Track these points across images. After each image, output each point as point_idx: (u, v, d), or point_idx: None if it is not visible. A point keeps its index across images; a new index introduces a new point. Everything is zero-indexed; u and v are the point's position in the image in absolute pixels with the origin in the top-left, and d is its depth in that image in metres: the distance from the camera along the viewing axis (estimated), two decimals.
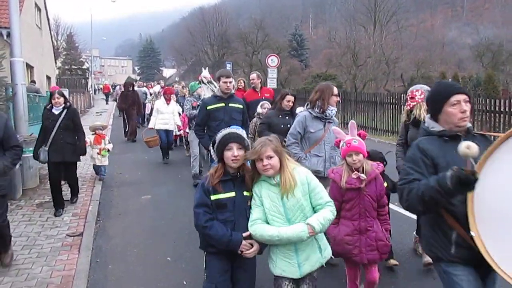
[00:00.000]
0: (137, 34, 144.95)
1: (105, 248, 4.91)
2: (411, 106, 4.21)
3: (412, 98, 4.21)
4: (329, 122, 4.33)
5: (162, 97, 9.94)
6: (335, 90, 4.35)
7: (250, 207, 2.68)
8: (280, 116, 5.61)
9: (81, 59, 49.66)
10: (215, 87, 6.82)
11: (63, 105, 5.95)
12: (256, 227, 2.59)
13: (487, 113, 11.21)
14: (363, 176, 3.18)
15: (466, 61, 42.08)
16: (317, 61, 47.52)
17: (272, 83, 18.82)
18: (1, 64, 7.78)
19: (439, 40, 46.32)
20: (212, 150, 2.81)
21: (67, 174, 6.23)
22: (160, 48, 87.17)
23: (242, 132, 2.79)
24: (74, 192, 6.55)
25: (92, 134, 7.92)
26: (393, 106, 14.86)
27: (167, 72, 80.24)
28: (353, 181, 3.18)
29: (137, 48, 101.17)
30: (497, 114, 10.99)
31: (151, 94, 16.55)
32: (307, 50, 53.18)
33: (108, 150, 8.03)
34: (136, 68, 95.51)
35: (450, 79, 29.87)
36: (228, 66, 24.14)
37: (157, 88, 16.79)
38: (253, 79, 7.81)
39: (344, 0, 54.20)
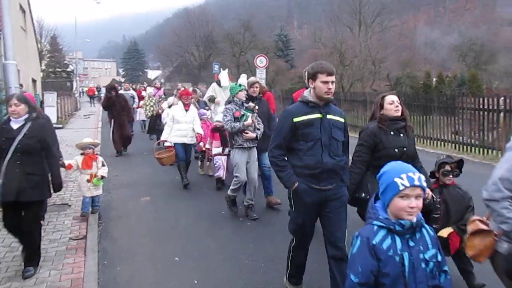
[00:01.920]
0: (120, 36, 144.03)
1: (111, 250, 4.89)
2: None
3: None
4: None
5: (180, 102, 7.98)
6: None
7: None
8: (392, 132, 3.57)
9: (65, 61, 49.04)
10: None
11: (25, 116, 3.96)
12: None
13: (474, 111, 11.45)
14: None
15: (449, 60, 42.93)
16: (302, 61, 47.67)
17: None
18: None
19: (422, 40, 47.14)
20: None
21: (25, 219, 4.05)
22: (144, 49, 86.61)
23: None
24: (31, 257, 4.14)
25: (80, 155, 6.01)
26: None
27: (152, 74, 79.79)
28: None
29: (121, 50, 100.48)
30: (483, 112, 11.23)
31: (143, 98, 15.02)
32: (293, 51, 53.47)
33: (102, 177, 6.06)
34: (120, 70, 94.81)
35: (435, 79, 30.49)
36: (216, 67, 24.07)
37: (149, 90, 15.51)
38: None
39: (329, 0, 54.64)
